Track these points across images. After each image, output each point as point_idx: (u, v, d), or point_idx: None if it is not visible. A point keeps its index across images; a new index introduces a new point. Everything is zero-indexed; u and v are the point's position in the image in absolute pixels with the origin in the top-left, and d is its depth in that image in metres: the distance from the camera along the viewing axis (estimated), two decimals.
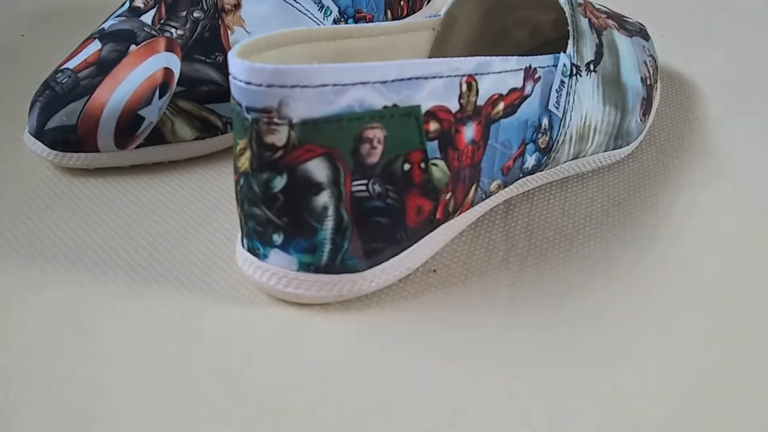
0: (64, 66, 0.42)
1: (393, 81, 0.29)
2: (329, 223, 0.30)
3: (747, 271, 0.35)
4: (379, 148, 0.30)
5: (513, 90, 0.34)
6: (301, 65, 0.27)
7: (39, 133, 0.41)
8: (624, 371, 0.29)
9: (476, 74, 0.32)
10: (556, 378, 0.29)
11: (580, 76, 0.37)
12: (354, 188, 0.30)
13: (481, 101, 0.32)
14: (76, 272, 0.34)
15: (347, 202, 0.30)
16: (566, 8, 0.38)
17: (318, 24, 0.46)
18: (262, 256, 0.31)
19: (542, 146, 0.36)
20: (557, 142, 0.37)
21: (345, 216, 0.30)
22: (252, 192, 0.30)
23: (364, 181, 0.30)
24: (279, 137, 0.28)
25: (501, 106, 0.33)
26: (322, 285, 0.31)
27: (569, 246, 0.36)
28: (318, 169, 0.29)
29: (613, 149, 0.41)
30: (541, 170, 0.38)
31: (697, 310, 0.32)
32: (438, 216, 0.33)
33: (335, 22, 0.48)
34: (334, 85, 0.28)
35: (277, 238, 0.30)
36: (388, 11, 0.53)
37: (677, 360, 0.30)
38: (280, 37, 0.31)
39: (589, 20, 0.40)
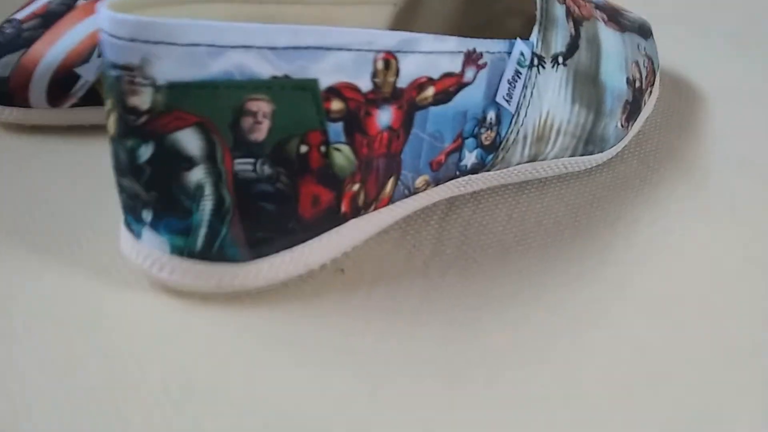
0: (14, 16, 0.40)
1: (285, 48, 0.25)
2: (207, 204, 0.26)
3: (693, 299, 0.30)
4: (265, 123, 0.26)
5: (447, 75, 0.30)
6: (168, 18, 0.24)
7: None
8: (504, 393, 0.25)
9: (397, 51, 0.28)
10: (430, 397, 0.25)
11: (543, 68, 0.33)
12: (238, 167, 0.26)
13: (402, 83, 0.28)
14: None
15: (229, 182, 0.26)
16: None
17: None
18: (137, 234, 0.28)
19: (486, 143, 0.32)
20: (507, 141, 0.33)
21: (227, 198, 0.27)
22: (119, 160, 0.26)
23: (251, 160, 0.26)
24: (142, 99, 0.25)
25: (431, 91, 0.29)
26: (198, 273, 0.28)
27: (503, 257, 0.32)
28: (189, 140, 0.25)
29: (582, 155, 0.36)
30: (488, 170, 0.34)
31: (628, 330, 0.28)
32: (344, 209, 0.29)
33: None
34: (209, 45, 0.24)
35: (147, 215, 0.27)
36: None
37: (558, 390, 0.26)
38: None
39: (567, 8, 0.35)
